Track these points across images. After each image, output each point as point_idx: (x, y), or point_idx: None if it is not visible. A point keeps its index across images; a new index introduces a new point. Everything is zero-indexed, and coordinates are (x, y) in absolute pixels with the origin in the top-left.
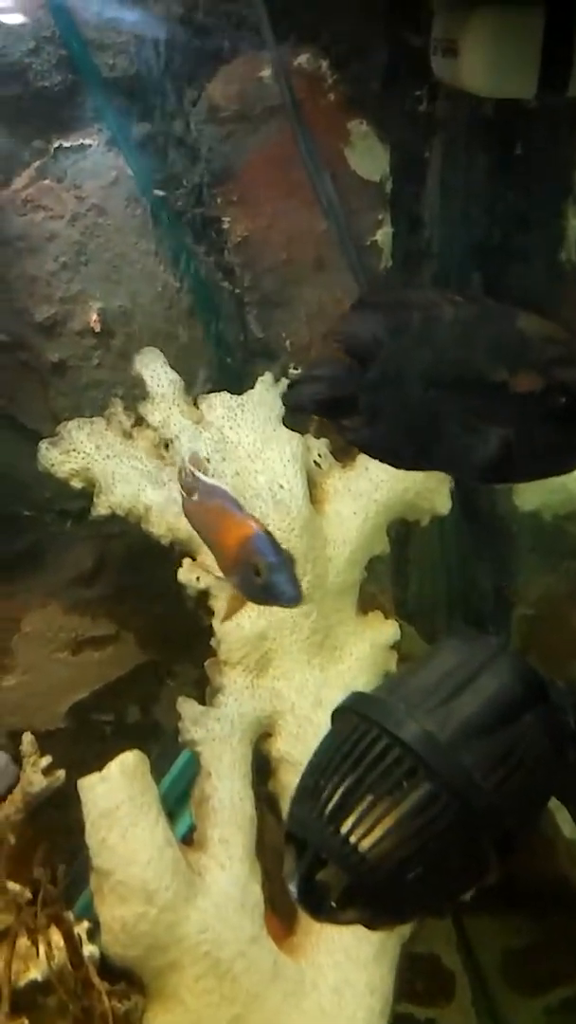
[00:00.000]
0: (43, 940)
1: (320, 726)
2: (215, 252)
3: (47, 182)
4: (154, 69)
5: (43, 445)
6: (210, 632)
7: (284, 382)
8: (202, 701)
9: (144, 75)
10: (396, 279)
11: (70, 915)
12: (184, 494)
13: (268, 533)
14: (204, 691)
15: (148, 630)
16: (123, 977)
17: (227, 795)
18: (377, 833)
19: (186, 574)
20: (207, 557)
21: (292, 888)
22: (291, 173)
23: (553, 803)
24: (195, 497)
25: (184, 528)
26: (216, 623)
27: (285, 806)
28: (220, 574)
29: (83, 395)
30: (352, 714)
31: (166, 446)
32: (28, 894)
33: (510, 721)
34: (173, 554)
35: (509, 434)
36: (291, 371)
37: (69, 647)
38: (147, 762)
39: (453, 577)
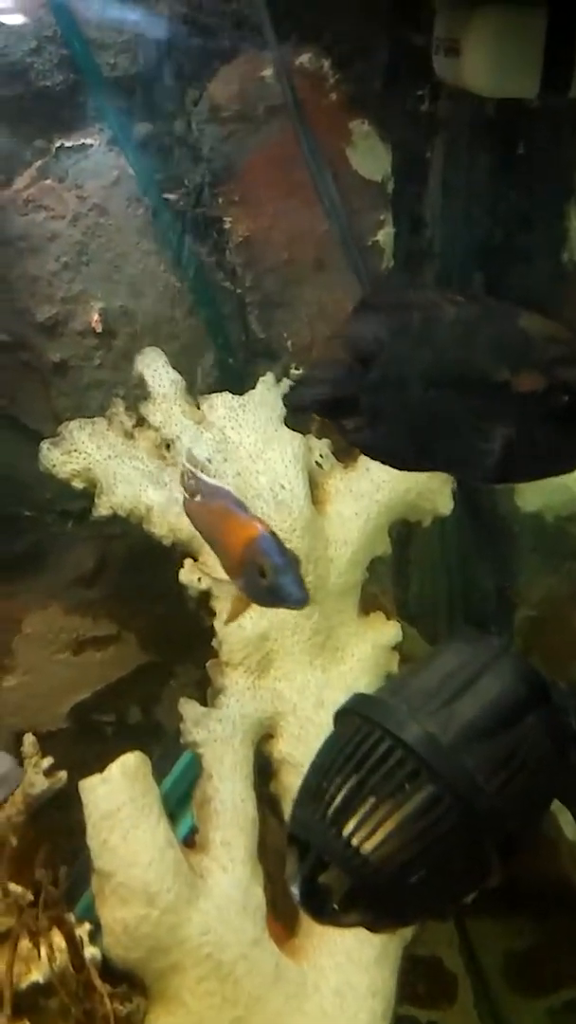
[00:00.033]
0: (45, 942)
1: (322, 727)
2: (216, 252)
3: (48, 182)
4: (155, 69)
5: (44, 445)
6: (212, 633)
7: (285, 382)
8: (204, 702)
9: (146, 75)
10: (398, 279)
11: (71, 917)
12: (186, 495)
13: (273, 534)
14: (206, 692)
15: (149, 631)
16: (125, 979)
17: (229, 797)
18: (379, 835)
19: (187, 575)
20: (209, 558)
21: (294, 890)
22: (293, 173)
23: (555, 805)
24: (198, 498)
25: (186, 529)
26: (218, 624)
27: (287, 808)
28: (223, 575)
29: (84, 395)
30: (354, 716)
31: (167, 446)
32: (30, 896)
33: (512, 723)
34: (174, 555)
35: (511, 434)
36: (292, 371)
37: (70, 648)
38: (148, 763)
39: (455, 578)
